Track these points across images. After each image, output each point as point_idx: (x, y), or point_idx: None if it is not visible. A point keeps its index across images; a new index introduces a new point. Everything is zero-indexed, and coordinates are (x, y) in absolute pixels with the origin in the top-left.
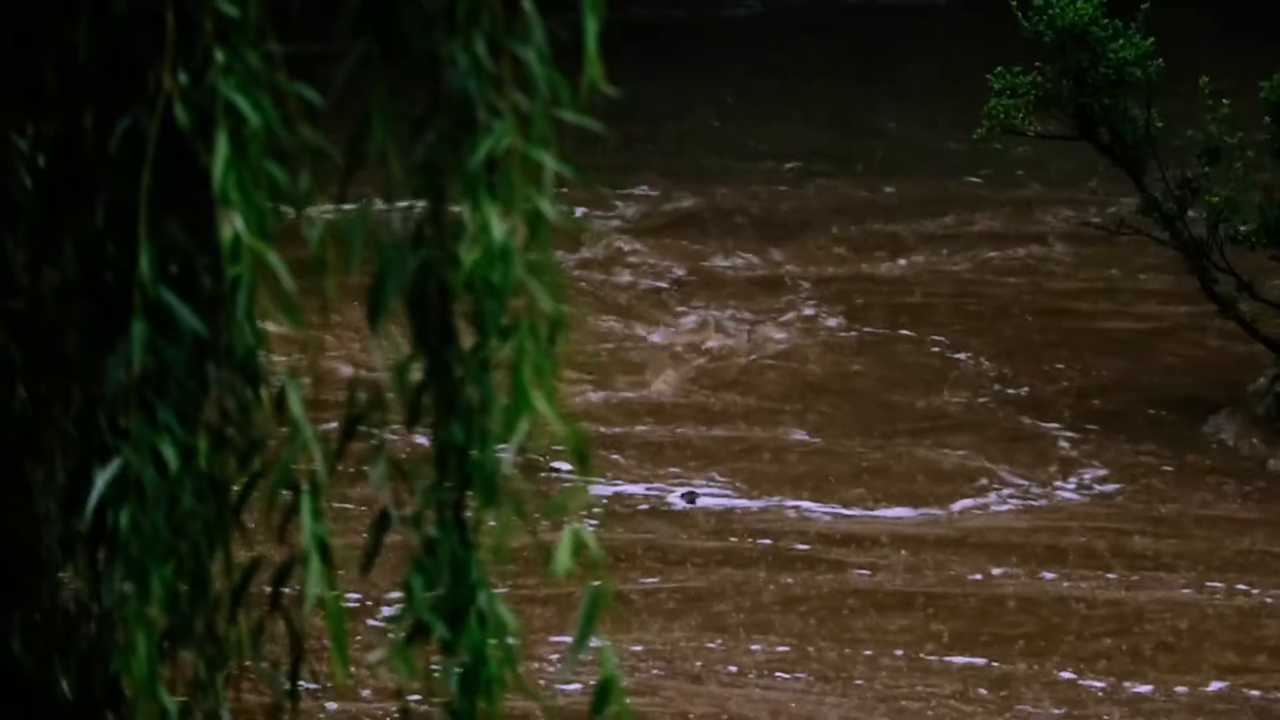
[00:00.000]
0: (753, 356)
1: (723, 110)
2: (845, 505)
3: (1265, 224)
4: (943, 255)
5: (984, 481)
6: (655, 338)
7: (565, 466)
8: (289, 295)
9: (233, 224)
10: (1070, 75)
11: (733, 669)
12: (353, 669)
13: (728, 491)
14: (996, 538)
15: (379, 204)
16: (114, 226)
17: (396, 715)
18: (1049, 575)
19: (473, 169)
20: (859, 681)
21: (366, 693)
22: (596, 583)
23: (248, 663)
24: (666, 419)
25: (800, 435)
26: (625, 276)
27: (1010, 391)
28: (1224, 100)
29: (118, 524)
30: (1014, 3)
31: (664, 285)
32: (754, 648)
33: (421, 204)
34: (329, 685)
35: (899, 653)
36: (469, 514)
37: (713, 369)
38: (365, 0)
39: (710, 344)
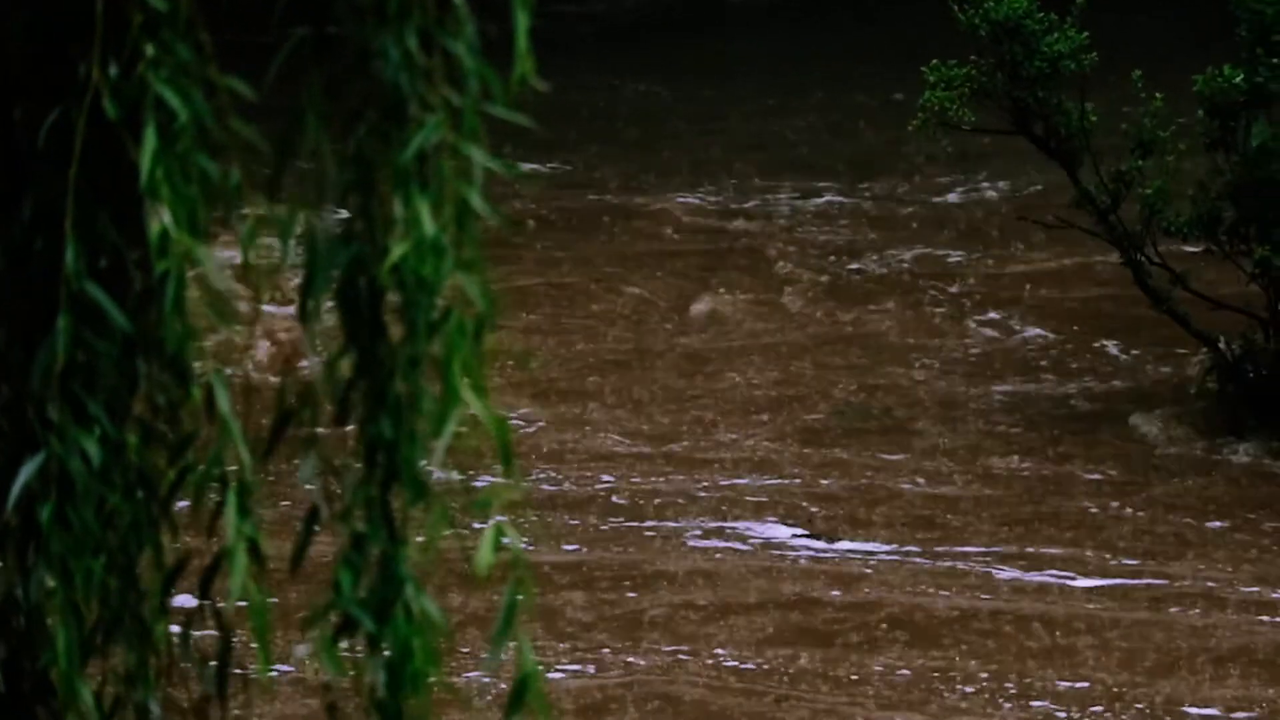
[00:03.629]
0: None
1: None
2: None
3: (1198, 216)
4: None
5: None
6: None
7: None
8: (219, 291)
9: (161, 218)
10: (1004, 68)
11: None
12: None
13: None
14: None
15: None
16: (42, 221)
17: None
18: None
19: (404, 163)
20: None
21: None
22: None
23: (177, 656)
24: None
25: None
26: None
27: None
28: (1156, 94)
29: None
30: None
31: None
32: None
33: (353, 198)
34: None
35: None
36: (397, 509)
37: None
38: None
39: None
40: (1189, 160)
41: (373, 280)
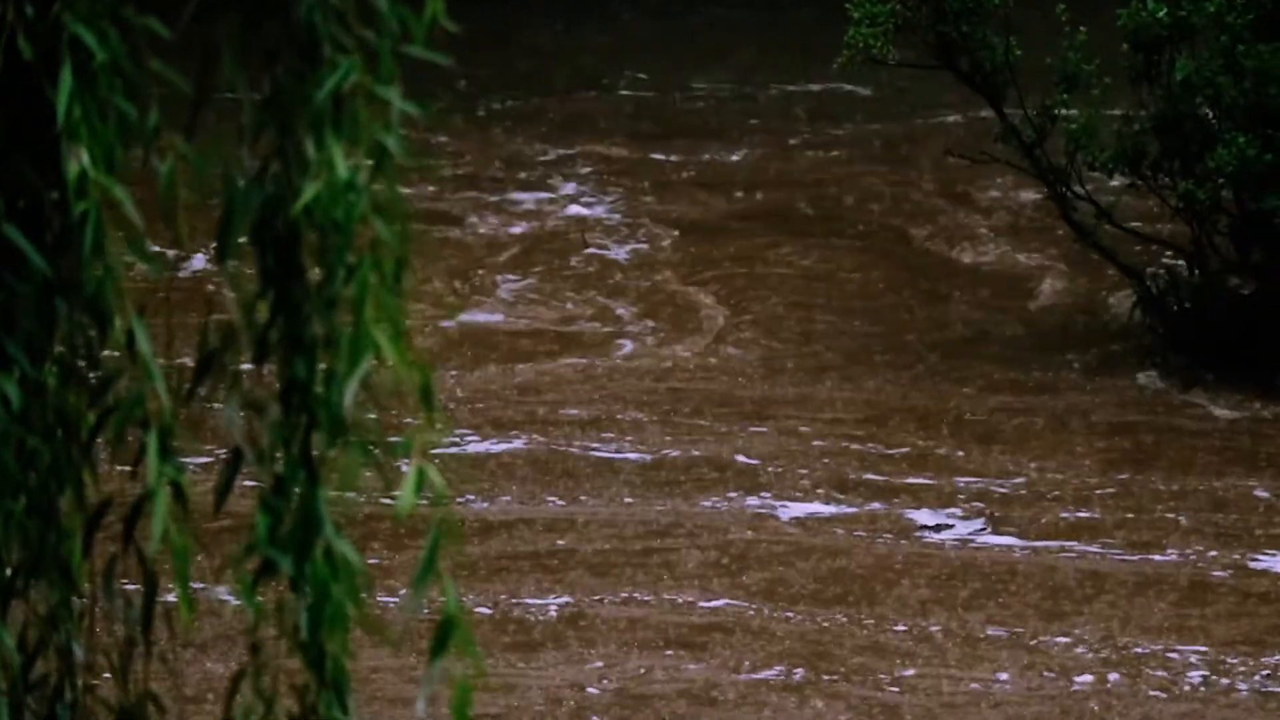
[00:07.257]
0: None
1: None
2: None
3: (1122, 151)
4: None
5: None
6: None
7: None
8: (137, 231)
9: (78, 159)
10: (928, 3)
11: None
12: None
13: None
14: None
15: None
16: None
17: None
18: None
19: (319, 104)
20: None
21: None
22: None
23: (100, 598)
24: None
25: None
26: None
27: None
28: (1081, 28)
29: None
30: None
31: None
32: None
33: (269, 139)
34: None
35: None
36: (316, 451)
37: None
38: None
39: None
40: (1113, 95)
41: (288, 221)
